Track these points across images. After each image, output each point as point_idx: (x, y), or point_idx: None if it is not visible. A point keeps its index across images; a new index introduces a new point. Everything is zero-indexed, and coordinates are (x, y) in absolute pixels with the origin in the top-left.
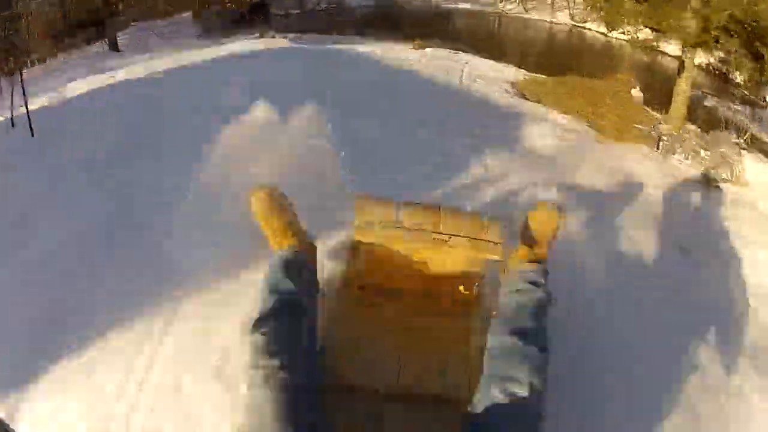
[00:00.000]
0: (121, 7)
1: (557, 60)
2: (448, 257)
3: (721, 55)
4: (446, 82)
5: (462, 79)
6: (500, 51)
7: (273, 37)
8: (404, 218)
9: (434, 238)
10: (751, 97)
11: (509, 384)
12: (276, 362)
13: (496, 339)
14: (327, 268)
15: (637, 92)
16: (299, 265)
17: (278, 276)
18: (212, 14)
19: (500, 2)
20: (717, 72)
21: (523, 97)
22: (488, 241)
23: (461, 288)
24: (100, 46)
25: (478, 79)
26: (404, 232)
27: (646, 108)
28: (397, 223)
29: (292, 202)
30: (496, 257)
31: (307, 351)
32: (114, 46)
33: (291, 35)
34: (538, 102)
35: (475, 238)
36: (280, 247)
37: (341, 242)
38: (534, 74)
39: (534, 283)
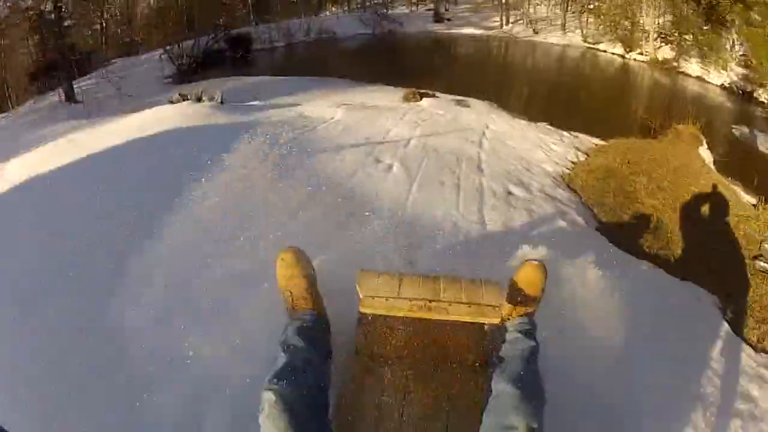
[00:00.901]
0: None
1: (588, 99)
2: (449, 323)
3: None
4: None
5: (482, 178)
6: (518, 92)
7: (200, 100)
8: (405, 289)
9: (435, 306)
10: None
11: None
12: (285, 419)
13: (492, 388)
14: (338, 336)
15: (704, 150)
16: (314, 329)
17: (294, 337)
18: (184, 53)
19: (506, 25)
20: (741, 91)
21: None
22: (487, 305)
23: (464, 353)
24: (58, 95)
25: (509, 169)
26: (406, 302)
27: (726, 181)
28: (398, 294)
29: (314, 269)
30: (495, 321)
31: (318, 410)
32: (70, 98)
33: (249, 77)
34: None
35: (474, 303)
36: (298, 310)
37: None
38: (572, 134)
39: (525, 333)
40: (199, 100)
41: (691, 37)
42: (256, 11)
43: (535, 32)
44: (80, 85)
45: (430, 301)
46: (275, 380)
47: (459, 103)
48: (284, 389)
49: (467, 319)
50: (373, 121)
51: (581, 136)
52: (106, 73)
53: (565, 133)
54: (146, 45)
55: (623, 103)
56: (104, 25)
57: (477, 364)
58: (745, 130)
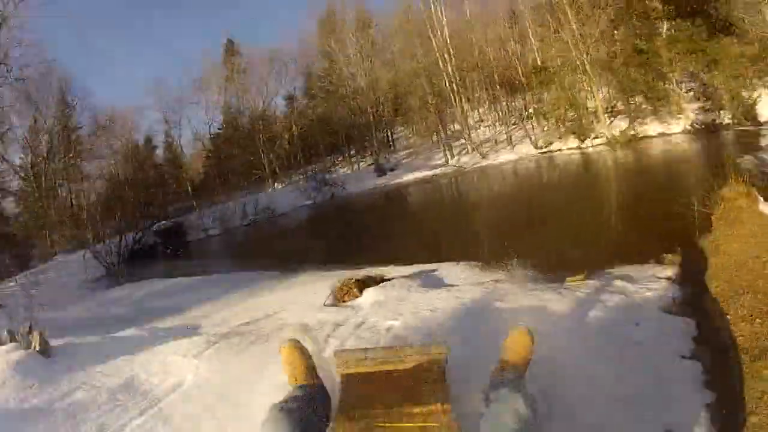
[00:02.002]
0: None
1: (583, 208)
2: (408, 372)
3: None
4: None
5: None
6: (497, 230)
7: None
8: (371, 354)
9: (393, 358)
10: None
11: None
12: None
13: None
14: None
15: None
16: (309, 397)
17: (290, 403)
18: (112, 250)
19: (452, 159)
20: (702, 126)
21: None
22: (434, 345)
23: (425, 387)
24: None
25: None
26: (371, 361)
27: None
28: (365, 357)
29: (312, 353)
30: (441, 351)
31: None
32: None
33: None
34: None
35: (425, 350)
36: (295, 382)
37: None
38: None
39: (513, 387)
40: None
41: (642, 97)
42: (193, 196)
43: (483, 157)
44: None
45: (389, 359)
46: (279, 405)
47: (425, 279)
48: (286, 409)
49: (420, 359)
50: (255, 383)
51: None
52: (27, 276)
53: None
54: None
55: (626, 199)
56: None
57: (439, 403)
58: (751, 157)
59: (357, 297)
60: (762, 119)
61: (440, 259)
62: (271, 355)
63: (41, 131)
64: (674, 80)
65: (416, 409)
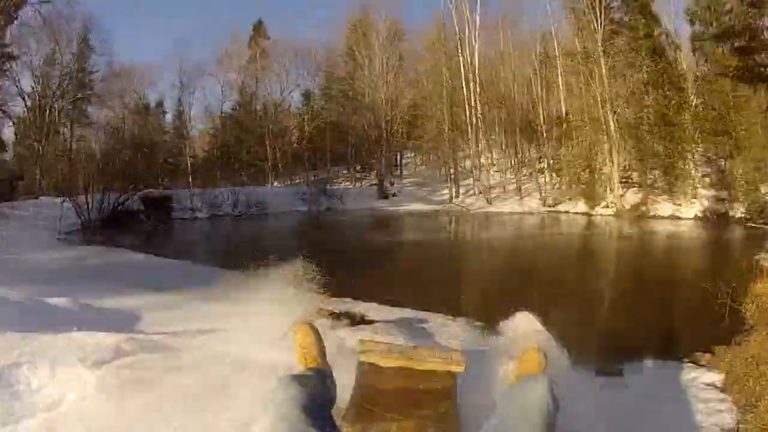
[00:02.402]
0: None
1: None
2: (425, 373)
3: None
4: None
5: None
6: (490, 298)
7: None
8: (394, 349)
9: (415, 356)
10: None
11: None
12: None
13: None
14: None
15: None
16: (320, 376)
17: (302, 378)
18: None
19: (457, 197)
20: (715, 215)
21: None
22: (454, 355)
23: (438, 389)
24: None
25: None
26: (394, 354)
27: None
28: (389, 349)
29: (322, 338)
30: (460, 369)
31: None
32: None
33: None
34: None
35: (445, 356)
36: (306, 365)
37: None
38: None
39: (531, 386)
40: None
41: (659, 171)
42: (191, 173)
43: (489, 202)
44: None
45: (411, 356)
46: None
47: (413, 330)
48: (298, 379)
49: (439, 367)
50: None
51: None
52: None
53: None
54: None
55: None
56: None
57: (445, 411)
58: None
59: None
60: None
61: (430, 307)
62: (189, 402)
63: (57, 64)
64: (694, 161)
65: (425, 411)
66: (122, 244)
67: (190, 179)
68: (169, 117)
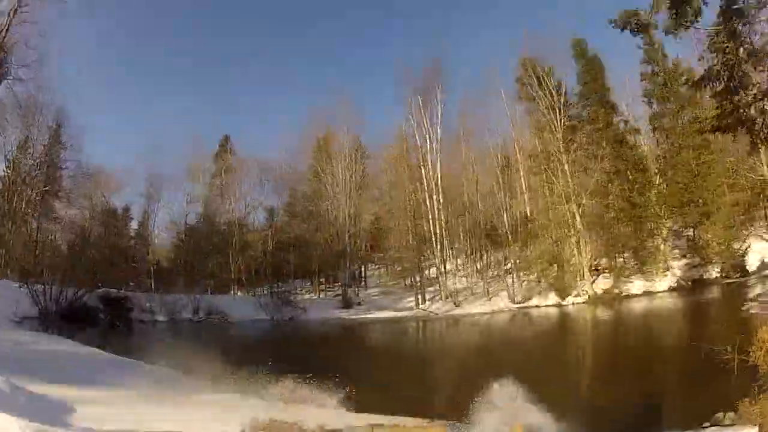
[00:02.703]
0: None
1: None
2: None
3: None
4: None
5: None
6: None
7: None
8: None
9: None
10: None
11: None
12: None
13: None
14: None
15: None
16: None
17: None
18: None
19: (423, 303)
20: (690, 282)
21: None
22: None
23: None
24: None
25: None
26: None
27: None
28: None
29: None
30: None
31: None
32: None
33: None
34: None
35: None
36: None
37: None
38: None
39: None
40: None
41: (629, 254)
42: (154, 279)
43: (457, 305)
44: None
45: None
46: None
47: None
48: None
49: None
50: None
51: None
52: None
53: None
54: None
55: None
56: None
57: None
58: (756, 301)
59: None
60: (750, 269)
61: (400, 410)
62: None
63: (29, 152)
64: (662, 237)
65: None
66: (75, 336)
67: (152, 283)
68: (134, 223)
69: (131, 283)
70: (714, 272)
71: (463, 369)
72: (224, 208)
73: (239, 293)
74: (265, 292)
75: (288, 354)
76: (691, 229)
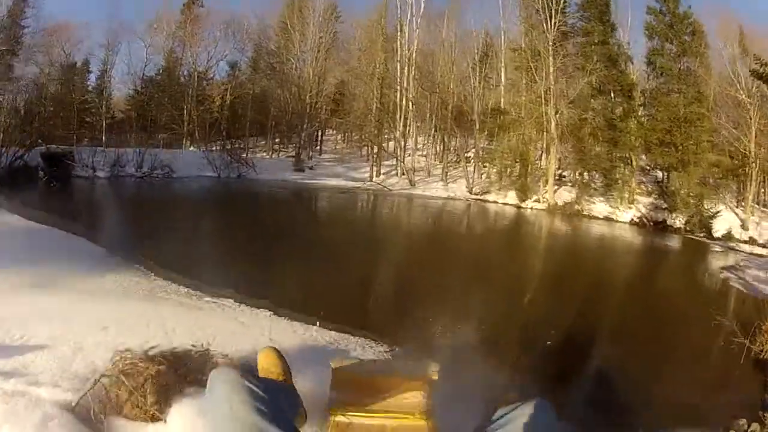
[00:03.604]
0: None
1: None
2: (401, 386)
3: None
4: None
5: None
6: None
7: None
8: (365, 366)
9: (385, 373)
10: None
11: None
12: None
13: None
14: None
15: None
16: (279, 386)
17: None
18: None
19: (377, 176)
20: (651, 222)
21: None
22: (427, 366)
23: (413, 401)
24: None
25: None
26: (366, 373)
27: None
28: (361, 370)
29: (285, 360)
30: (434, 378)
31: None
32: None
33: None
34: None
35: (418, 367)
36: None
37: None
38: None
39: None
40: None
41: (597, 174)
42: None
43: (412, 184)
44: None
45: (381, 371)
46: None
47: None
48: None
49: (410, 375)
50: None
51: None
52: None
53: None
54: None
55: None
56: None
57: (418, 415)
58: (732, 275)
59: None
60: (715, 234)
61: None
62: None
63: None
64: (633, 168)
65: (401, 415)
66: (11, 203)
67: (104, 138)
68: (93, 77)
69: (85, 140)
70: (678, 222)
71: (410, 258)
72: (185, 60)
73: (192, 148)
74: (216, 148)
75: (229, 218)
76: (662, 172)
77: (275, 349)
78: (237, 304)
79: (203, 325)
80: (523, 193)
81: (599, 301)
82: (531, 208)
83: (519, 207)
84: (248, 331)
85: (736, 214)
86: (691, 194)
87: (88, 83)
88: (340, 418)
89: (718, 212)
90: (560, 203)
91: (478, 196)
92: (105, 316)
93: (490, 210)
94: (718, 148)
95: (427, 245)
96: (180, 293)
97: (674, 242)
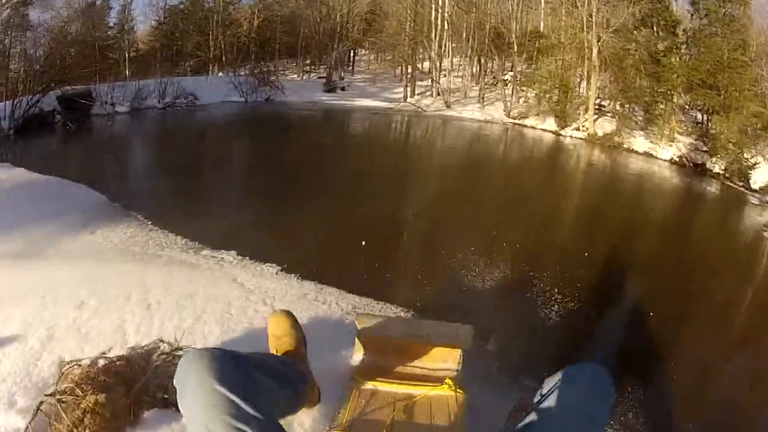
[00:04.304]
0: None
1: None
2: (430, 352)
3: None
4: None
5: None
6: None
7: None
8: (394, 327)
9: (416, 337)
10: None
11: None
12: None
13: None
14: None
15: None
16: (287, 366)
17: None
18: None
19: (411, 97)
20: (692, 164)
21: None
22: (461, 334)
23: (443, 374)
24: None
25: None
26: (394, 335)
27: None
28: (389, 331)
29: (300, 326)
30: (466, 347)
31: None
32: None
33: None
34: None
35: (452, 333)
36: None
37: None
38: None
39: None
40: None
41: (638, 107)
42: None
43: (448, 105)
44: None
45: (410, 333)
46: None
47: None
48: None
49: (442, 338)
50: None
51: None
52: None
53: None
54: None
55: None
56: None
57: (449, 384)
58: None
59: None
60: (753, 186)
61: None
62: None
63: None
64: (676, 105)
65: (428, 384)
66: (24, 156)
67: (128, 73)
68: (113, 13)
69: (110, 77)
70: (717, 167)
71: (445, 190)
72: None
73: (219, 74)
74: (245, 72)
75: (230, 146)
76: (702, 114)
77: (288, 313)
78: (240, 258)
79: (194, 292)
80: (563, 120)
81: (640, 253)
82: (570, 137)
83: (558, 134)
84: (248, 299)
85: None
86: (731, 140)
87: (109, 20)
88: (364, 386)
89: (756, 163)
90: (600, 134)
91: (516, 121)
92: (84, 287)
93: (528, 136)
94: (758, 99)
95: (464, 175)
96: (176, 247)
97: (713, 187)
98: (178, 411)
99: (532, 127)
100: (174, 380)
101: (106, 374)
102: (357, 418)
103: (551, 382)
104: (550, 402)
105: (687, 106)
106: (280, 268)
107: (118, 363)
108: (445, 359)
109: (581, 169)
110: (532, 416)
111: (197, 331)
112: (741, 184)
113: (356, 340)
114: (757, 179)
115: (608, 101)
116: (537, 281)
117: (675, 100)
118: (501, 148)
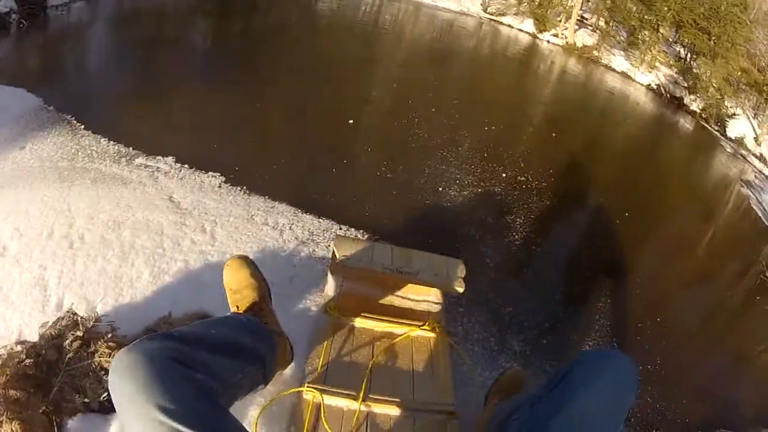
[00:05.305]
0: None
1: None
2: (415, 287)
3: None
4: None
5: None
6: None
7: None
8: (378, 257)
9: (403, 272)
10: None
11: None
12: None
13: None
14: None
15: None
16: (253, 329)
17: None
18: None
19: None
20: (669, 95)
21: None
22: (452, 275)
23: (426, 312)
24: None
25: None
26: (379, 266)
27: None
28: (372, 259)
29: (266, 281)
30: (459, 290)
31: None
32: None
33: None
34: None
35: (441, 273)
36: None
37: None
38: None
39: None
40: None
41: (624, 29)
42: None
43: None
44: None
45: (400, 270)
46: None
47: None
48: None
49: (432, 284)
50: None
51: None
52: None
53: None
54: None
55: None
56: None
57: (439, 325)
58: (749, 193)
59: None
60: (730, 134)
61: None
62: None
63: None
64: (661, 35)
65: (409, 320)
66: None
67: None
68: None
69: None
70: (695, 106)
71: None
72: None
73: None
74: None
75: (191, 31)
76: (687, 51)
77: (245, 259)
78: (178, 167)
79: (122, 219)
80: (542, 24)
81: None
82: (548, 41)
83: (535, 37)
84: (185, 225)
85: (752, 125)
86: (714, 84)
87: None
88: (339, 321)
89: (736, 114)
90: (579, 44)
91: (493, 17)
92: (7, 226)
93: (503, 34)
94: (749, 58)
95: (429, 67)
96: (107, 157)
97: (688, 124)
98: (102, 413)
99: (509, 26)
100: (109, 389)
101: (16, 383)
102: (333, 364)
103: (574, 367)
104: (574, 389)
105: (671, 40)
106: (224, 178)
107: (27, 362)
108: (428, 292)
109: (554, 78)
110: (551, 403)
111: (124, 277)
112: (717, 128)
113: (330, 267)
114: (734, 129)
115: (591, 15)
116: (486, 189)
117: (662, 31)
118: (473, 42)
